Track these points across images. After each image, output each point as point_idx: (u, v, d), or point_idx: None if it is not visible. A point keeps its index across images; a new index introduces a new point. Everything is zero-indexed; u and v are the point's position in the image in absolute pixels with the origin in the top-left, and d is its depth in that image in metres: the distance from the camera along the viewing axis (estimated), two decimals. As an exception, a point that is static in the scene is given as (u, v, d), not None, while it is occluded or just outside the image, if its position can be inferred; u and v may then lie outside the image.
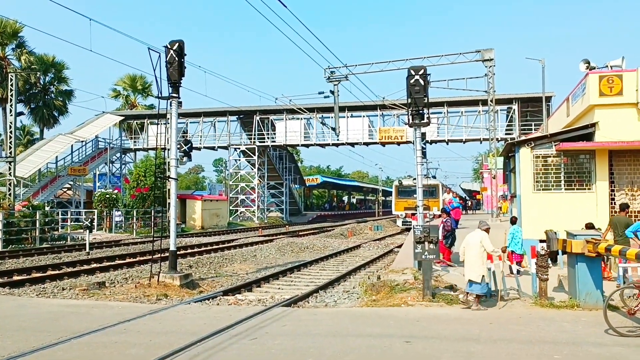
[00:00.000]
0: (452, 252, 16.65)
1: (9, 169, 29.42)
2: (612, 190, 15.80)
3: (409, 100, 13.31)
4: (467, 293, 10.18)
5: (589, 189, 15.77)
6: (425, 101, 13.24)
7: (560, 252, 11.93)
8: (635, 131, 15.26)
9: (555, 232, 11.18)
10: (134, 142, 53.38)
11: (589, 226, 11.77)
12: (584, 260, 9.63)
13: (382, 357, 6.73)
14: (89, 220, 25.35)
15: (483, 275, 9.91)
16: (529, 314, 9.41)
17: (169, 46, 14.09)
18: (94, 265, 18.09)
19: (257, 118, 49.83)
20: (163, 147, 15.30)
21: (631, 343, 7.37)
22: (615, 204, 15.78)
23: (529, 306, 10.01)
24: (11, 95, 29.89)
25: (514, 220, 14.72)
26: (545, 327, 8.35)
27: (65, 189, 47.81)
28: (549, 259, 11.64)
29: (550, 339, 7.64)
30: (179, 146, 14.77)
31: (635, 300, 8.35)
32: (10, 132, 29.66)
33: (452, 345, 7.27)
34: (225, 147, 51.84)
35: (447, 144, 46.37)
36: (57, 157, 44.67)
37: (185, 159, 15.88)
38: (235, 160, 53.87)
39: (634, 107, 15.39)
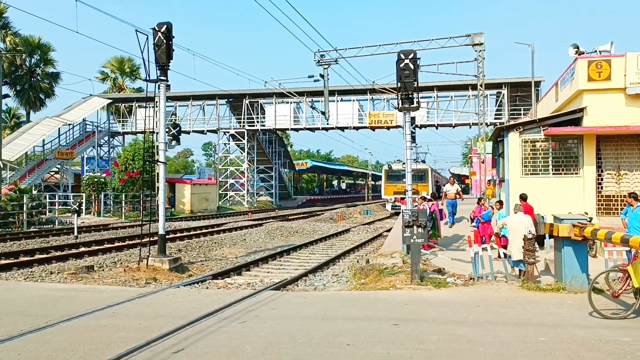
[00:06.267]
0: (441, 237, 16.79)
1: (-5, 152, 29.03)
2: (600, 175, 15.96)
3: (399, 85, 13.27)
4: (524, 271, 10.77)
5: (576, 173, 15.92)
6: (415, 85, 13.20)
7: (547, 235, 12.09)
8: (622, 116, 15.39)
9: (543, 216, 11.31)
10: (122, 125, 52.92)
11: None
12: (571, 244, 9.74)
13: (371, 339, 6.79)
14: (77, 204, 25.18)
15: None
16: (515, 297, 9.52)
17: (157, 28, 13.90)
18: (83, 249, 18.01)
19: (247, 102, 49.54)
20: (151, 130, 15.17)
21: (615, 325, 7.50)
22: (602, 188, 15.96)
23: (515, 289, 10.14)
24: (-4, 77, 29.41)
25: (500, 205, 14.84)
26: (531, 310, 8.46)
27: (52, 173, 47.44)
28: (536, 242, 11.79)
29: (536, 321, 7.75)
30: (167, 130, 14.68)
31: (620, 283, 8.47)
32: (-4, 114, 29.24)
33: (440, 328, 7.35)
34: (215, 131, 51.58)
35: (437, 128, 46.42)
36: (44, 140, 44.24)
37: (173, 142, 15.79)
38: (225, 144, 53.62)
39: (622, 92, 15.49)
